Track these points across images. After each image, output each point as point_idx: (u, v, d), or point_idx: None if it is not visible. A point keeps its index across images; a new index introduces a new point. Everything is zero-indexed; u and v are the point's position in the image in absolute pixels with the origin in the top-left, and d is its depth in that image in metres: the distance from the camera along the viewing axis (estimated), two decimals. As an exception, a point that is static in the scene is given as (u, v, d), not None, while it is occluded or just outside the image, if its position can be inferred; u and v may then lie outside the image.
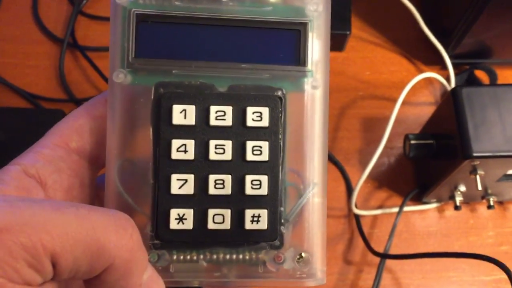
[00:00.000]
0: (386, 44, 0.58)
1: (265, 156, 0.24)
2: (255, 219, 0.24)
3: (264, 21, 0.24)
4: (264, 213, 0.24)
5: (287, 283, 0.25)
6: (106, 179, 0.24)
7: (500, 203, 0.52)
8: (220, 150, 0.24)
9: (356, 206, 0.49)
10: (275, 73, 0.24)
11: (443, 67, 0.54)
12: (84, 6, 0.58)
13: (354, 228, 0.50)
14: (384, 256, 0.47)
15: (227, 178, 0.24)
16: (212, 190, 0.24)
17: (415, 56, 0.58)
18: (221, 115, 0.24)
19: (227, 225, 0.24)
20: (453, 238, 0.50)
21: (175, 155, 0.23)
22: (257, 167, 0.24)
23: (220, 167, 0.24)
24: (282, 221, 0.24)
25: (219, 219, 0.24)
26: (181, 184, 0.23)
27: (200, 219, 0.23)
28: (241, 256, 0.24)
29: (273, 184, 0.24)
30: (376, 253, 0.47)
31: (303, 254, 0.24)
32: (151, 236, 0.23)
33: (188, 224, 0.23)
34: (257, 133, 0.24)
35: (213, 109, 0.24)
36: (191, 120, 0.24)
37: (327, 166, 0.25)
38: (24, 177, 0.22)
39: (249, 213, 0.24)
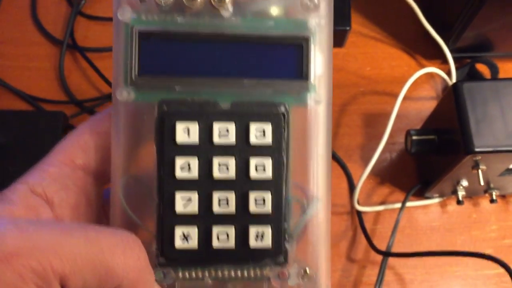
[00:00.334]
0: (386, 39, 0.58)
1: (268, 173, 0.24)
2: (259, 236, 0.24)
3: (266, 36, 0.24)
4: (268, 230, 0.24)
5: None
6: (111, 196, 0.24)
7: (503, 196, 0.52)
8: (224, 168, 0.24)
9: (358, 203, 0.49)
10: (277, 88, 0.24)
11: (444, 61, 0.54)
12: (83, 7, 0.58)
13: (357, 224, 0.50)
14: (387, 254, 0.47)
15: (231, 196, 0.24)
16: (216, 208, 0.24)
17: (415, 50, 0.58)
18: (224, 132, 0.24)
19: (231, 243, 0.24)
20: (456, 232, 0.51)
21: (179, 174, 0.23)
22: (260, 184, 0.24)
23: (224, 185, 0.24)
24: (286, 237, 0.24)
25: (223, 237, 0.24)
26: (185, 202, 0.23)
27: (205, 237, 0.24)
28: (246, 273, 0.24)
29: (277, 201, 0.24)
30: (378, 251, 0.47)
31: (307, 270, 0.24)
32: (157, 254, 0.24)
33: (193, 243, 0.23)
34: (261, 150, 0.24)
35: (216, 126, 0.24)
36: (194, 138, 0.24)
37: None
38: (31, 196, 0.22)
39: (253, 230, 0.24)
